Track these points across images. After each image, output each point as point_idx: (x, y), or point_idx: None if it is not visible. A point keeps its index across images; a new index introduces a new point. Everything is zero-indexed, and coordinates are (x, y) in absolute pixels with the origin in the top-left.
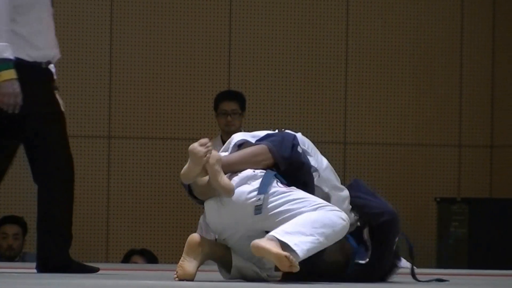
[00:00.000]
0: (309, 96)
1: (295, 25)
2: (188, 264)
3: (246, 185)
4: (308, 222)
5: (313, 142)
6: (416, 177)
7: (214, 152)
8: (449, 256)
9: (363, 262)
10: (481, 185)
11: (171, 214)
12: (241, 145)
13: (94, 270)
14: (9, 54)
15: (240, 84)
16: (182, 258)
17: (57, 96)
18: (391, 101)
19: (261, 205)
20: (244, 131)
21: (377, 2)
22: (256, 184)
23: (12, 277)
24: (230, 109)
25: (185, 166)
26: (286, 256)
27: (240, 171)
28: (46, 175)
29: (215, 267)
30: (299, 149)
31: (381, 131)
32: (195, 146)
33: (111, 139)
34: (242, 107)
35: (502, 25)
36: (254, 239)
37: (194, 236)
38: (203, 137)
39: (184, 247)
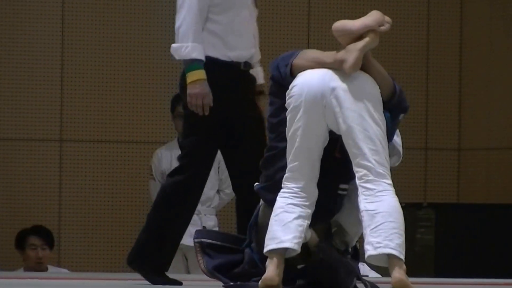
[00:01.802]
0: None
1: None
2: None
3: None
4: (401, 222)
5: None
6: None
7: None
8: (415, 264)
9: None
10: (448, 190)
11: (126, 219)
12: None
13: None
14: (197, 55)
15: None
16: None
17: (259, 100)
18: None
19: None
20: None
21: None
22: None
23: None
24: None
25: (349, 21)
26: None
27: None
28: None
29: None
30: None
31: None
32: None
33: (62, 142)
34: None
35: (469, 25)
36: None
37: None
38: (159, 140)
39: None
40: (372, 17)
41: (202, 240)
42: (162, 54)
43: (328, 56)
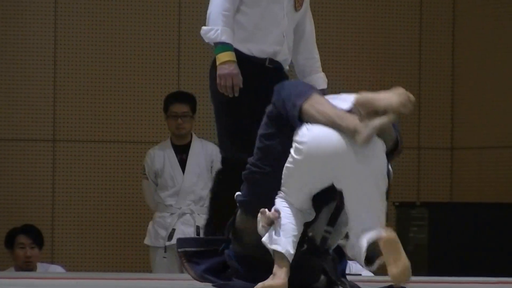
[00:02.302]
0: None
1: None
2: None
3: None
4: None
5: None
6: None
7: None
8: None
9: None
10: (441, 189)
11: (119, 219)
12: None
13: None
14: (226, 38)
15: (190, 85)
16: None
17: None
18: None
19: None
20: (195, 134)
21: (334, 1)
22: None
23: None
24: (180, 112)
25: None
26: None
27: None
28: None
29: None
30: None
31: None
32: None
33: (55, 142)
34: (193, 109)
35: (462, 25)
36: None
37: None
38: (152, 140)
39: (133, 253)
40: (399, 99)
41: (186, 249)
42: (156, 54)
43: (341, 118)
